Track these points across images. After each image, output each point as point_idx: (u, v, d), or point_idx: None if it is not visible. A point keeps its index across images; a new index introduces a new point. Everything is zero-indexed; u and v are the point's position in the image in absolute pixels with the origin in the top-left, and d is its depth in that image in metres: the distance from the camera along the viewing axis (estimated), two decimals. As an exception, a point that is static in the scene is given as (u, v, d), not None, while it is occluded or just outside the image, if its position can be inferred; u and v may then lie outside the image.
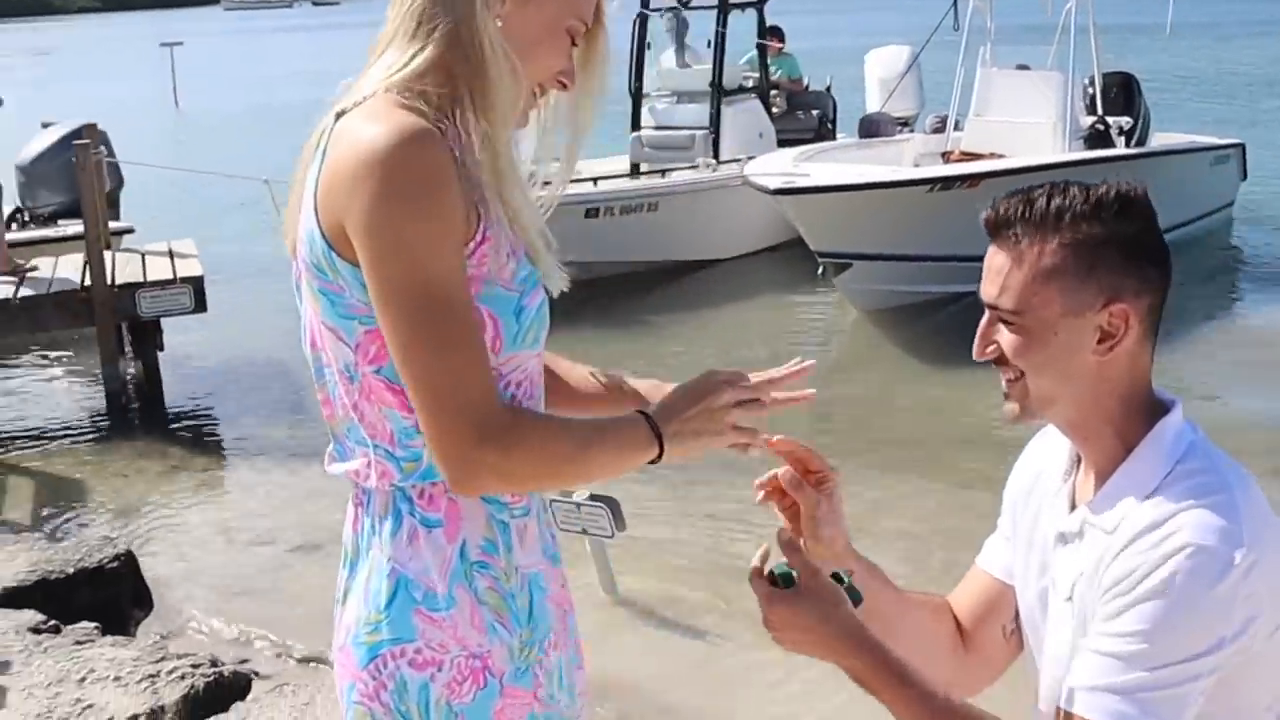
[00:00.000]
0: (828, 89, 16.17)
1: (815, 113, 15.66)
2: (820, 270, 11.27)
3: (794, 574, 1.90)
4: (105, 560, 6.01)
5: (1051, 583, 1.98)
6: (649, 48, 14.83)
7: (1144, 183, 1.89)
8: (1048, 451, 2.10)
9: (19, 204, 12.61)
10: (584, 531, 6.35)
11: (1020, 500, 2.13)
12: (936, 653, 2.14)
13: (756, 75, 15.05)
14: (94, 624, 5.41)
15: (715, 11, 14.29)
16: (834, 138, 15.23)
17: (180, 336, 10.76)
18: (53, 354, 11.57)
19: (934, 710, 1.82)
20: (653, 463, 1.90)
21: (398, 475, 1.86)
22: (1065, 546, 1.94)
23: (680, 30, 15.24)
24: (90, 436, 9.57)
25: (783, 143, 14.37)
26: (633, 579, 6.68)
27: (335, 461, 1.96)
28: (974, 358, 1.96)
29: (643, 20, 14.69)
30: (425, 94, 1.81)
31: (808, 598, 1.89)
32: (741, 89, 14.75)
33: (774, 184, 10.79)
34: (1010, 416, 1.95)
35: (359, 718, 1.89)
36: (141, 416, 10.04)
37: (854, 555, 2.12)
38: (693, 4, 14.92)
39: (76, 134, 11.85)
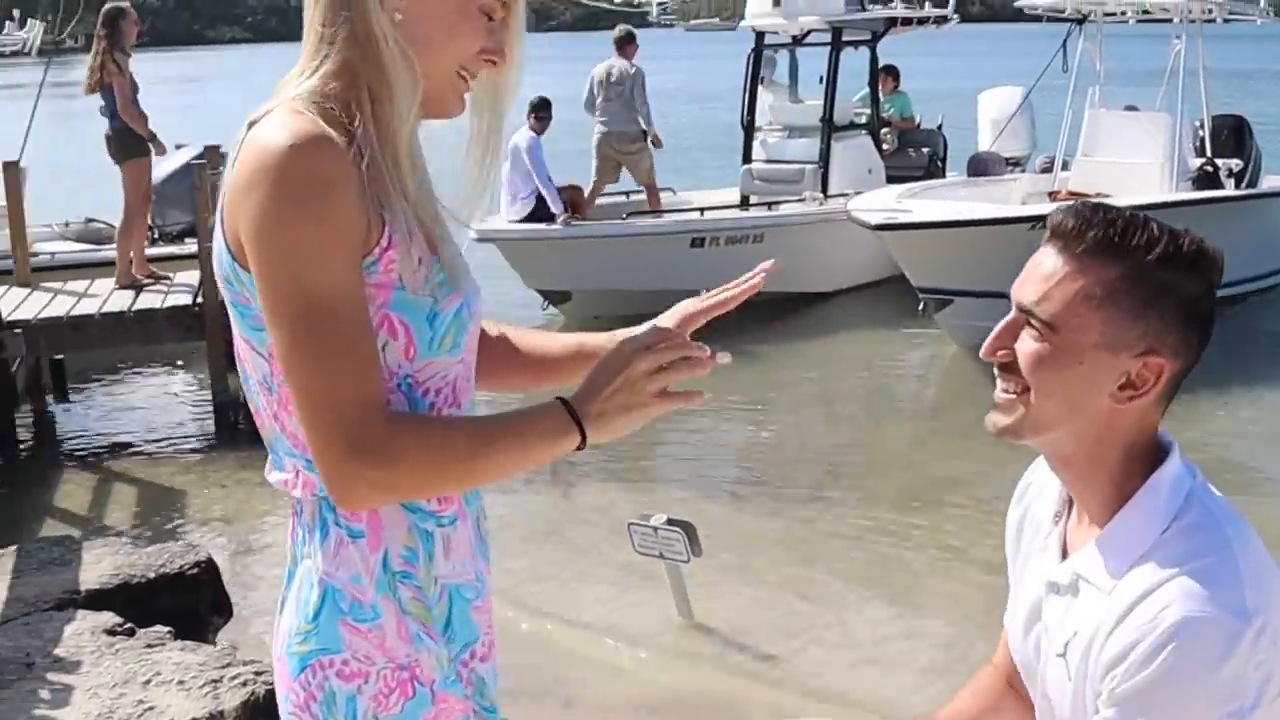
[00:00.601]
0: (939, 128, 16.09)
1: (926, 151, 15.59)
2: (921, 306, 11.22)
3: None
4: (186, 567, 6.17)
5: (1045, 630, 1.90)
6: (762, 82, 14.94)
7: (1222, 248, 1.79)
8: (1037, 488, 2.02)
9: (150, 222, 13.03)
10: (661, 555, 6.42)
11: (1012, 538, 2.06)
12: None
13: (868, 112, 15.03)
14: (167, 628, 5.53)
15: (829, 48, 14.35)
16: (944, 176, 15.15)
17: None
18: (167, 367, 11.90)
19: None
20: (579, 448, 1.82)
21: (319, 485, 1.82)
22: (1057, 597, 1.86)
23: (794, 66, 15.32)
24: (196, 448, 9.85)
25: (892, 179, 14.33)
26: (708, 604, 6.71)
27: (272, 471, 1.93)
28: (981, 355, 1.86)
29: (757, 55, 14.82)
30: (332, 97, 1.79)
31: None
32: (853, 125, 14.76)
33: (876, 219, 10.80)
34: (994, 429, 1.85)
35: None
36: (248, 430, 10.28)
37: None
38: (807, 40, 15.02)
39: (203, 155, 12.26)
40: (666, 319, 2.04)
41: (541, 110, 12.84)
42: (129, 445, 9.94)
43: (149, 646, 5.35)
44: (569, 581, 7.22)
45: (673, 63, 29.42)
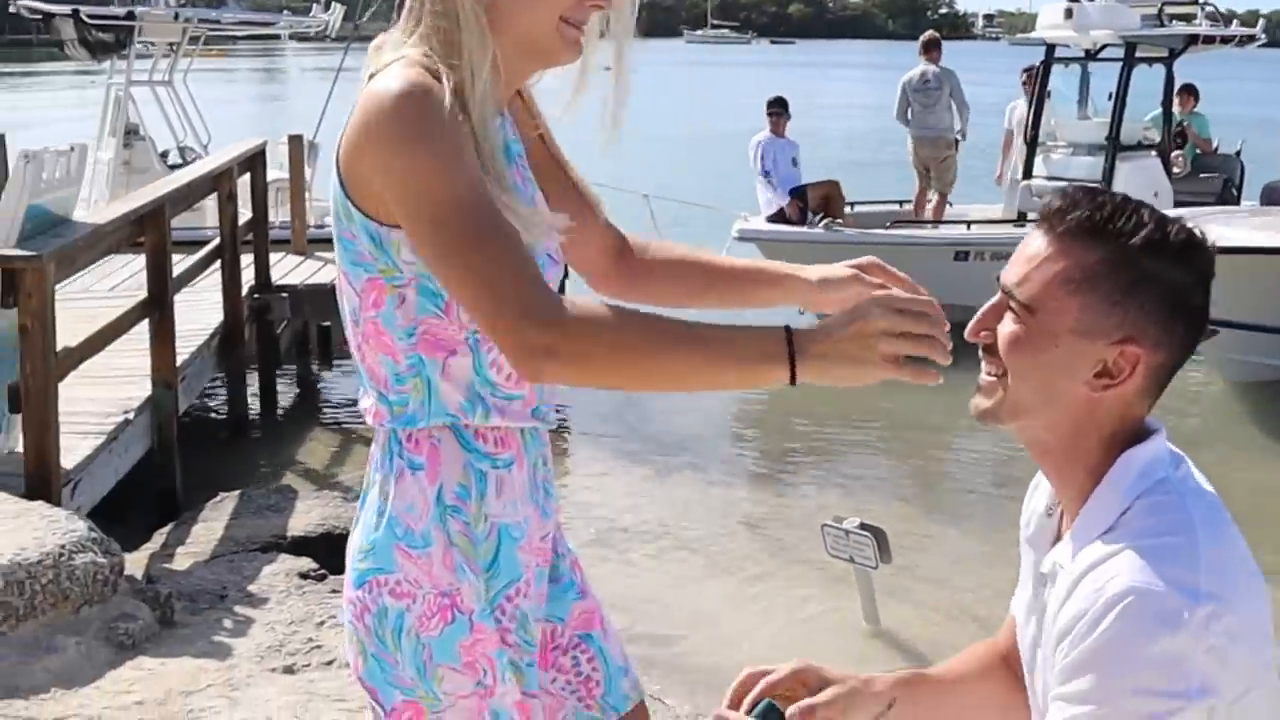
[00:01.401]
0: (1237, 153, 15.28)
1: (1220, 176, 14.84)
2: (1185, 336, 10.69)
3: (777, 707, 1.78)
4: (385, 523, 6.40)
5: (1038, 623, 1.84)
6: (1049, 97, 14.49)
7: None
8: (1038, 484, 1.95)
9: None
10: (851, 560, 6.33)
11: (1022, 531, 2.00)
12: (988, 713, 2.06)
13: (1159, 132, 14.42)
14: (356, 577, 5.76)
15: (1121, 64, 13.81)
16: (1238, 204, 14.39)
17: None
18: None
19: None
20: (791, 383, 1.75)
21: (388, 418, 1.95)
22: (1045, 589, 1.80)
23: (1084, 80, 14.82)
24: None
25: (1180, 204, 13.67)
26: (897, 611, 6.58)
27: (360, 400, 2.06)
28: (965, 337, 1.79)
29: (1045, 69, 14.36)
30: (427, 61, 1.90)
31: None
32: (1141, 145, 14.15)
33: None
34: (975, 411, 1.79)
35: (348, 634, 2.01)
36: (287, 413, 10.54)
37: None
38: (1100, 55, 14.50)
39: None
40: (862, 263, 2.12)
41: (774, 108, 12.85)
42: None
43: (334, 591, 5.58)
44: (760, 577, 7.18)
45: (991, 75, 28.72)
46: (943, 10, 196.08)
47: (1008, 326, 1.73)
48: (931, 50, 13.86)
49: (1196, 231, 1.72)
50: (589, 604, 2.17)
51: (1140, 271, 1.67)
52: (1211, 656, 1.54)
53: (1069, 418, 1.72)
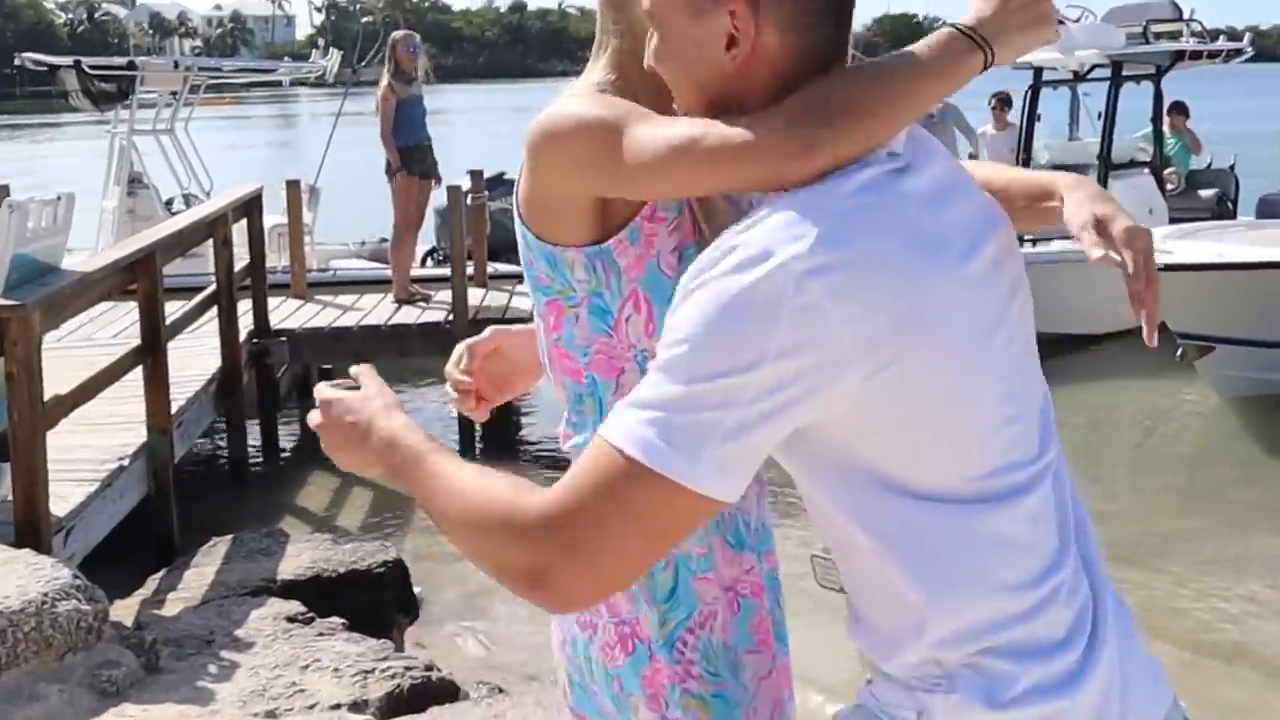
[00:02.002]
0: (1231, 168, 15.34)
1: (1215, 192, 14.89)
2: (1179, 353, 10.71)
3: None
4: (374, 565, 6.47)
5: None
6: (1039, 119, 14.57)
7: None
8: None
9: (435, 244, 13.67)
10: (841, 590, 6.33)
11: None
12: None
13: (1151, 149, 14.49)
14: (341, 620, 5.82)
15: (1108, 84, 13.90)
16: (1234, 218, 14.42)
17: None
18: (422, 380, 12.42)
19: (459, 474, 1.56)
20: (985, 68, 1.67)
21: (567, 441, 2.02)
22: None
23: (1074, 102, 14.91)
24: (436, 459, 10.23)
25: (1176, 219, 13.72)
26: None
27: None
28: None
29: (1034, 92, 14.45)
30: (608, 88, 1.92)
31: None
32: (1133, 163, 14.22)
33: (1129, 259, 10.38)
34: None
35: (557, 663, 2.08)
36: (486, 444, 10.67)
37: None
38: (1089, 76, 14.58)
39: (492, 182, 12.84)
40: None
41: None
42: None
43: (320, 635, 5.64)
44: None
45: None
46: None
47: (653, 44, 1.70)
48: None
49: None
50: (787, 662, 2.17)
51: None
52: (808, 319, 1.42)
53: (725, 96, 1.65)
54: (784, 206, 1.50)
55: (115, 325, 10.63)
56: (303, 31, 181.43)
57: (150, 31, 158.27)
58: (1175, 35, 14.31)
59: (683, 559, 1.95)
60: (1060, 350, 12.49)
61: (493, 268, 12.05)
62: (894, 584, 1.57)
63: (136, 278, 7.78)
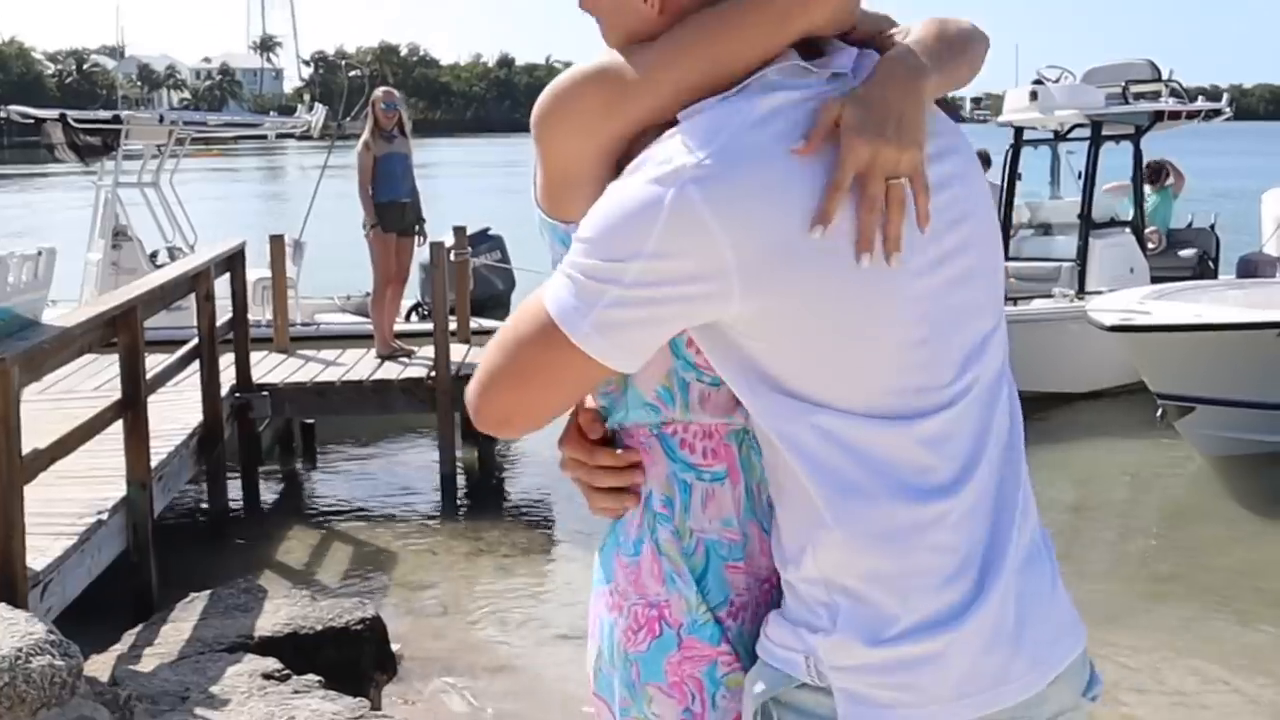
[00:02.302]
0: (1212, 227, 15.46)
1: (1196, 251, 15.01)
2: (1159, 413, 10.76)
3: None
4: (352, 622, 6.43)
5: None
6: (1019, 179, 14.71)
7: None
8: None
9: (419, 298, 13.69)
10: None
11: None
12: None
13: (1133, 208, 14.60)
14: (317, 678, 5.79)
15: (1088, 143, 14.04)
16: (1215, 277, 14.53)
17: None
18: (418, 435, 12.40)
19: None
20: None
21: (604, 420, 1.92)
22: None
23: (1054, 161, 15.05)
24: (415, 516, 10.23)
25: (1159, 279, 13.82)
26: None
27: None
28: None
29: (1015, 151, 14.59)
30: None
31: None
32: (1114, 222, 14.34)
33: (1110, 320, 10.45)
34: None
35: (589, 648, 1.97)
36: (470, 501, 10.66)
37: None
38: (1069, 135, 14.72)
39: (476, 237, 12.87)
40: None
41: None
42: (358, 509, 10.41)
43: (295, 692, 5.62)
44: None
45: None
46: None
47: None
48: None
49: None
50: None
51: None
52: (682, 226, 1.51)
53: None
54: (693, 119, 1.58)
55: (97, 378, 10.62)
56: (291, 84, 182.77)
57: (139, 83, 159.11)
58: (1154, 96, 14.46)
59: (713, 544, 1.84)
60: (1042, 408, 12.54)
61: (476, 323, 12.07)
62: (799, 482, 1.62)
63: (118, 332, 7.78)
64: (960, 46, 1.76)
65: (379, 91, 11.41)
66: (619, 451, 1.86)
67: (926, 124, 1.62)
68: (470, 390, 1.69)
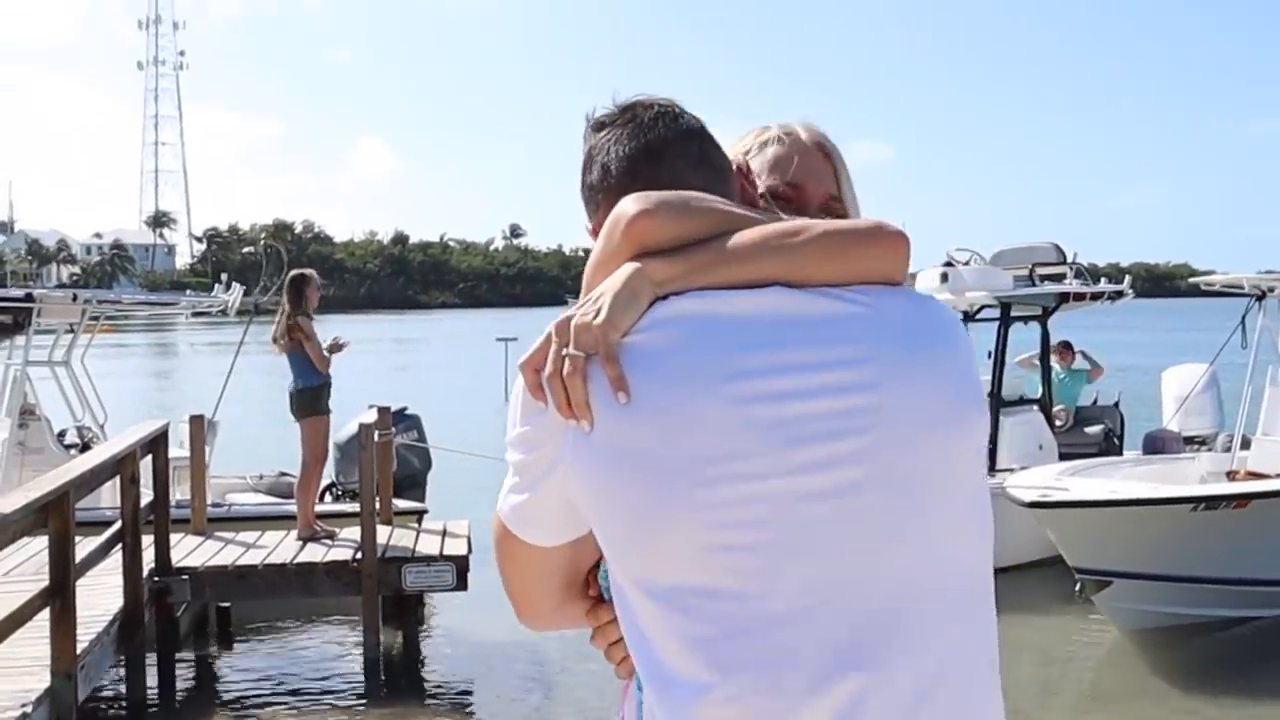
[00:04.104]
0: (1116, 404, 15.91)
1: (1102, 428, 15.40)
2: (1078, 587, 10.94)
3: None
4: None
5: None
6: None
7: None
8: None
9: (334, 478, 13.56)
10: None
11: None
12: None
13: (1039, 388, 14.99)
14: None
15: (997, 323, 14.44)
16: (1120, 453, 14.90)
17: (448, 615, 11.23)
18: (336, 617, 12.17)
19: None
20: None
21: None
22: None
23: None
24: (344, 701, 10.01)
25: (1064, 456, 14.14)
26: None
27: None
28: None
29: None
30: None
31: None
32: (1023, 400, 14.70)
33: (1029, 496, 10.67)
34: None
35: None
36: (393, 686, 10.46)
37: None
38: (978, 316, 15.13)
39: (396, 416, 12.82)
40: None
41: None
42: (278, 694, 10.18)
43: None
44: None
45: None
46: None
47: None
48: None
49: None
50: None
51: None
52: (539, 416, 1.66)
53: None
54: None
55: (6, 561, 10.35)
56: (183, 260, 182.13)
57: (28, 258, 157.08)
58: (1059, 278, 14.96)
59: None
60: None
61: (396, 504, 11.99)
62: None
63: (49, 518, 7.62)
64: (807, 242, 1.67)
65: (307, 271, 11.44)
66: None
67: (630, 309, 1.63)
68: None
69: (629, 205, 1.69)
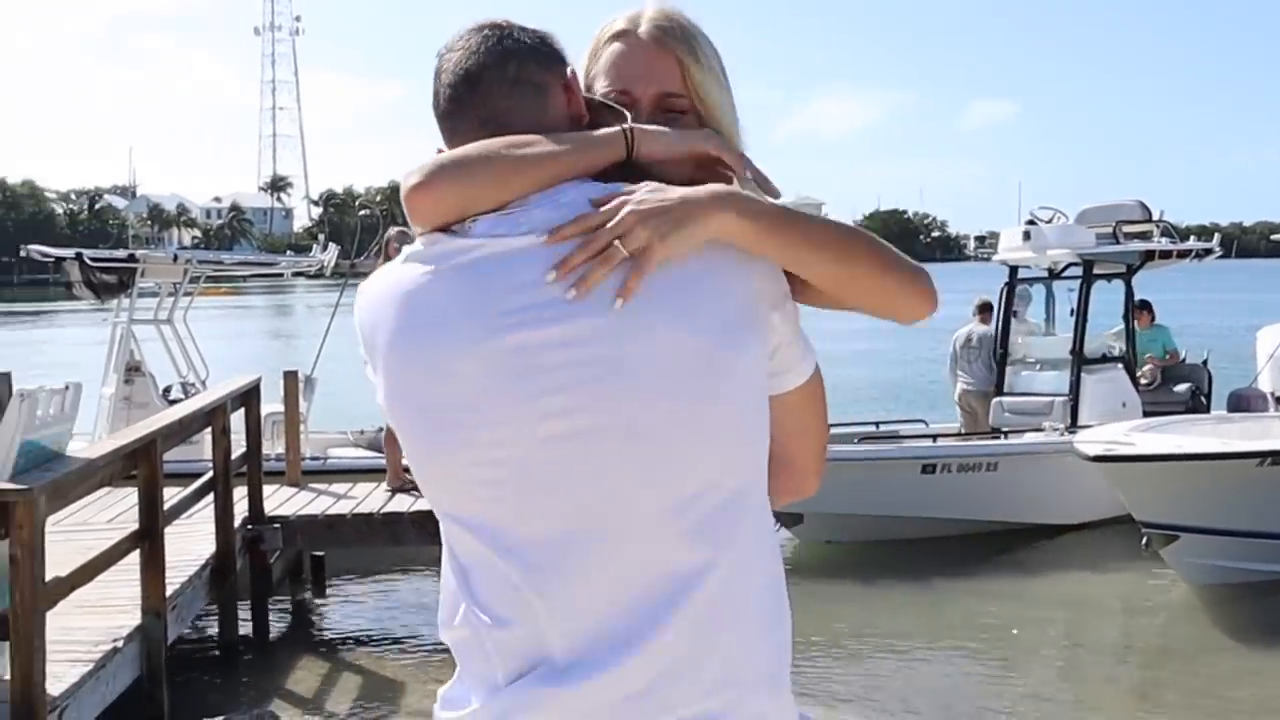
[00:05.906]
0: (1204, 363, 15.80)
1: (1189, 386, 15.33)
2: (1145, 542, 10.99)
3: None
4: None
5: None
6: (1015, 316, 15.11)
7: None
8: None
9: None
10: None
11: None
12: None
13: (1122, 345, 14.95)
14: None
15: (1080, 281, 14.45)
16: (1208, 411, 14.83)
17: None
18: (414, 567, 12.60)
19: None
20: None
21: None
22: None
23: (1049, 299, 15.45)
24: (423, 646, 10.38)
25: (1150, 413, 14.10)
26: None
27: None
28: None
29: (1010, 288, 15.01)
30: None
31: None
32: (1105, 358, 14.69)
33: (1094, 451, 10.72)
34: None
35: None
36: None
37: None
38: (1062, 274, 15.14)
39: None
40: None
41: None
42: (367, 639, 10.62)
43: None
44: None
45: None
46: (935, 234, 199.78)
47: None
48: (984, 313, 15.18)
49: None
50: None
51: None
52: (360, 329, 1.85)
53: None
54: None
55: (110, 510, 10.89)
56: (300, 223, 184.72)
57: (150, 222, 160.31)
58: (1145, 235, 14.88)
59: None
60: (1035, 539, 12.76)
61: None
62: None
63: (138, 464, 8.07)
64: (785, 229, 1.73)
65: (393, 231, 11.79)
66: None
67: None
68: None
69: (407, 177, 1.81)
